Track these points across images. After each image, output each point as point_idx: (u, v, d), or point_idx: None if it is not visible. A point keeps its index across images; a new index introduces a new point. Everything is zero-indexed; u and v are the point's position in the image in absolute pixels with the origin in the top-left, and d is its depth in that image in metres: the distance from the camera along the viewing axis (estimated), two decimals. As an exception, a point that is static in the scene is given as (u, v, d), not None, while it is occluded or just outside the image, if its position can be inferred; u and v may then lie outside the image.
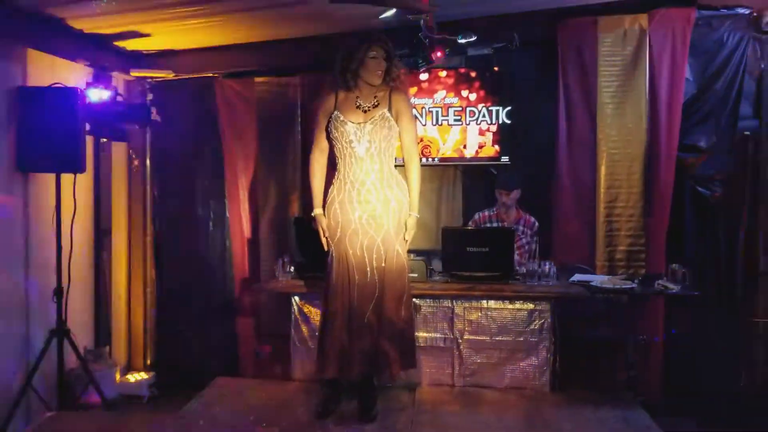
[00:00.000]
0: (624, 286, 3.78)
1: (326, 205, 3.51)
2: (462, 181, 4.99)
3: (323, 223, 3.50)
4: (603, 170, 4.55)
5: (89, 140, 4.58)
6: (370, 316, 3.41)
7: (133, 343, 5.37)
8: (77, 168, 4.20)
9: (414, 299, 3.87)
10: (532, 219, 4.64)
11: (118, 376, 5.03)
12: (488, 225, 4.59)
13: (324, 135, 3.54)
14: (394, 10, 3.93)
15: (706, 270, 4.51)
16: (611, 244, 4.55)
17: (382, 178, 3.42)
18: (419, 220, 3.58)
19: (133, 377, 5.15)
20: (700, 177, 4.49)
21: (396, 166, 3.56)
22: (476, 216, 4.69)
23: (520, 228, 4.58)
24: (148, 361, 5.35)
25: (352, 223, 3.42)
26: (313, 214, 3.55)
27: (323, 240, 3.52)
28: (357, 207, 3.42)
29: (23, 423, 4.14)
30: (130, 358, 5.37)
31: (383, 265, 3.42)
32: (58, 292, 4.22)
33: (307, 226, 3.94)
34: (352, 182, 3.43)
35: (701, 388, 4.39)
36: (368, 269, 3.42)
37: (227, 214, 5.21)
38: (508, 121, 4.73)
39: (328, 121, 3.50)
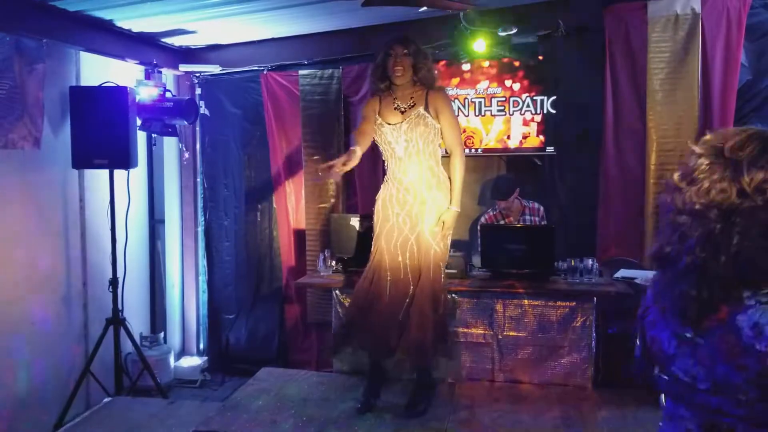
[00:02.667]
0: (668, 284, 3.69)
1: (375, 204, 3.58)
2: (506, 172, 4.93)
3: (351, 155, 3.28)
4: (653, 159, 4.42)
5: (141, 135, 4.74)
6: (404, 313, 3.45)
7: (186, 330, 5.58)
8: (128, 164, 4.34)
9: (453, 295, 3.89)
10: (536, 204, 4.61)
11: (172, 361, 5.24)
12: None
13: (368, 126, 3.53)
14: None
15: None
16: (660, 236, 4.43)
17: (420, 177, 3.44)
18: (463, 212, 3.59)
19: (186, 362, 5.36)
20: (754, 167, 4.31)
21: (444, 156, 3.57)
22: (482, 219, 4.67)
23: (528, 218, 4.55)
24: (201, 346, 5.55)
25: (389, 221, 3.48)
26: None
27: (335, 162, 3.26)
28: (396, 205, 3.47)
29: (83, 406, 4.39)
30: (183, 344, 5.58)
31: (417, 263, 3.45)
32: (114, 282, 4.41)
33: (345, 225, 4.02)
34: (392, 182, 3.51)
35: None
36: (401, 267, 3.46)
37: (274, 205, 5.30)
38: (553, 111, 4.63)
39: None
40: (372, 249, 3.58)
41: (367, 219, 4.06)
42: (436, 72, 3.58)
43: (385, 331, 3.46)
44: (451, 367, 3.84)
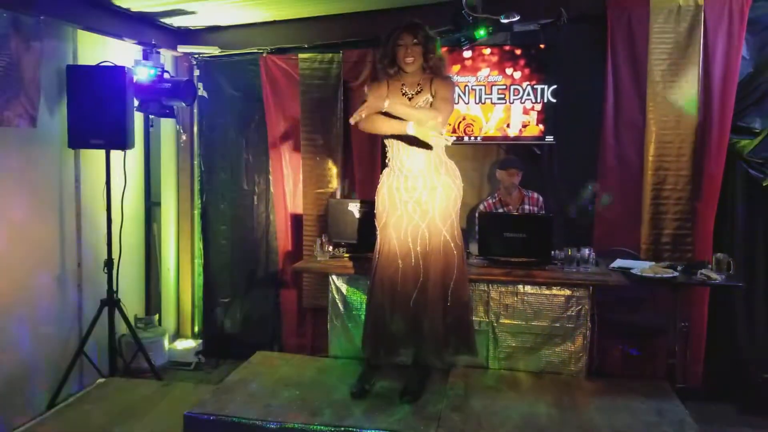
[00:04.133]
0: (665, 275, 3.70)
1: (376, 191, 3.53)
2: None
3: (373, 99, 3.32)
4: (651, 151, 4.43)
5: (139, 116, 4.71)
6: (415, 301, 3.43)
7: (181, 312, 5.58)
8: (125, 144, 4.32)
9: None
10: (536, 195, 4.62)
11: (166, 344, 5.24)
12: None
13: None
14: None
15: (755, 256, 4.38)
16: (657, 228, 4.44)
17: (429, 164, 3.40)
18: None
19: (180, 345, 5.36)
20: (753, 160, 4.32)
21: (454, 143, 3.50)
22: (481, 206, 4.66)
23: (527, 207, 4.55)
24: (196, 329, 5.55)
25: (397, 209, 3.43)
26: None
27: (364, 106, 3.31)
28: (404, 193, 3.42)
29: (77, 387, 4.39)
30: (178, 326, 5.59)
31: (428, 250, 3.42)
32: (109, 264, 4.40)
33: (343, 210, 4.00)
34: (400, 169, 3.43)
35: (745, 377, 4.32)
36: (412, 255, 3.42)
37: (271, 189, 5.28)
38: (554, 100, 4.62)
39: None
40: (378, 240, 3.52)
41: (366, 204, 4.03)
42: (445, 60, 3.53)
43: (401, 320, 3.45)
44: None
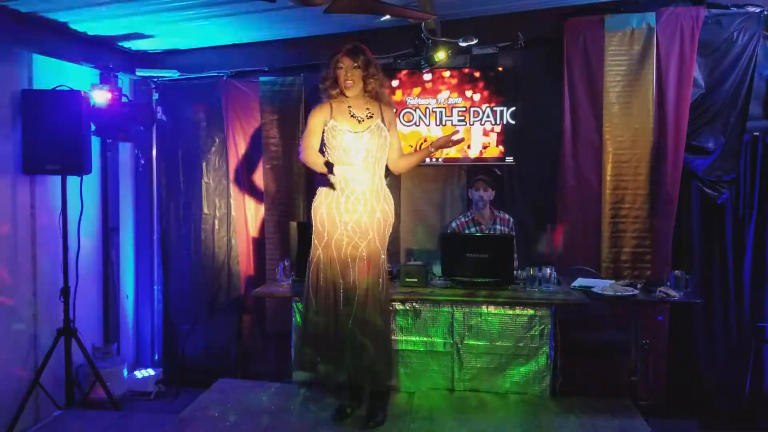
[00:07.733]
0: (625, 293, 3.75)
1: (313, 209, 3.50)
2: (466, 182, 4.94)
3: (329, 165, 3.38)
4: (609, 171, 4.50)
5: (96, 140, 4.63)
6: (353, 321, 3.40)
7: (140, 340, 5.46)
8: (82, 170, 4.25)
9: (414, 304, 3.88)
10: (507, 216, 4.66)
11: (125, 373, 5.11)
12: (468, 231, 4.60)
13: (316, 140, 3.53)
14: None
15: (713, 273, 4.47)
16: (616, 246, 4.51)
17: (372, 188, 3.41)
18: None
19: (140, 374, 5.23)
20: (707, 178, 4.42)
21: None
22: (453, 225, 4.69)
23: (498, 227, 4.59)
24: (156, 358, 5.43)
25: (338, 229, 3.41)
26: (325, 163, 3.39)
27: (327, 170, 3.36)
28: (344, 213, 3.40)
29: (32, 420, 4.25)
30: (138, 355, 5.46)
31: (366, 272, 3.41)
32: (65, 292, 4.29)
33: (307, 232, 3.96)
34: (342, 189, 3.40)
35: (705, 392, 4.39)
36: (351, 275, 3.41)
37: (233, 213, 5.24)
38: (513, 122, 4.68)
39: (324, 130, 3.49)
40: (321, 259, 3.45)
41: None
42: (387, 89, 3.58)
43: (340, 341, 3.42)
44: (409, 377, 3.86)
